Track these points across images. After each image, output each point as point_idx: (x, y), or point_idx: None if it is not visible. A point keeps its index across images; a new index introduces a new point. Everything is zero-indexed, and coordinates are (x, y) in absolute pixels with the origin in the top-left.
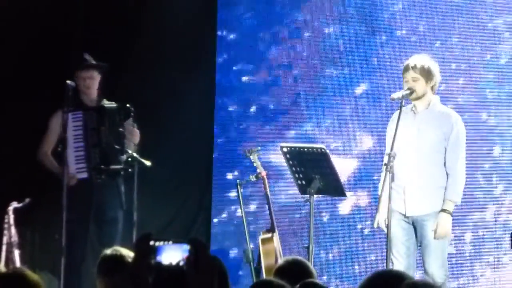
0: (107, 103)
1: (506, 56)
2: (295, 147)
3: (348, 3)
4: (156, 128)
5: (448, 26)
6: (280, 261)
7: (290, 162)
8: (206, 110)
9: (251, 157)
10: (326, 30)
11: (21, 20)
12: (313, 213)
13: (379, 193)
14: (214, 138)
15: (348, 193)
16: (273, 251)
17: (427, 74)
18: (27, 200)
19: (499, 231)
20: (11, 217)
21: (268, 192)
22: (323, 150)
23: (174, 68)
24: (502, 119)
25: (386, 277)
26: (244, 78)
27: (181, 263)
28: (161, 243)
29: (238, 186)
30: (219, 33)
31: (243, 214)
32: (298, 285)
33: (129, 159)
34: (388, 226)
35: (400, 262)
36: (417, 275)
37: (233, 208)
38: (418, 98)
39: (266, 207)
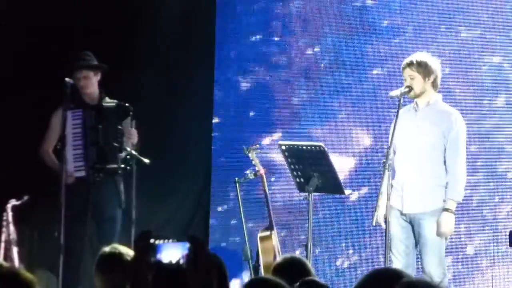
0: (108, 102)
1: None
2: (293, 145)
3: (346, 2)
4: (154, 125)
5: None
6: (278, 259)
7: (289, 160)
8: (205, 107)
9: (250, 154)
10: (325, 28)
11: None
12: (311, 211)
13: (379, 190)
14: (213, 136)
15: (346, 191)
16: (272, 249)
17: (424, 70)
18: (25, 197)
19: (499, 228)
20: (9, 215)
21: (267, 190)
22: (321, 147)
23: (173, 67)
24: None
25: (384, 275)
26: (244, 77)
27: (181, 261)
28: (161, 241)
29: (237, 184)
30: (218, 32)
31: (241, 211)
32: (298, 283)
33: (127, 157)
34: (387, 224)
35: (399, 260)
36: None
37: (231, 205)
38: (417, 96)
39: (265, 204)
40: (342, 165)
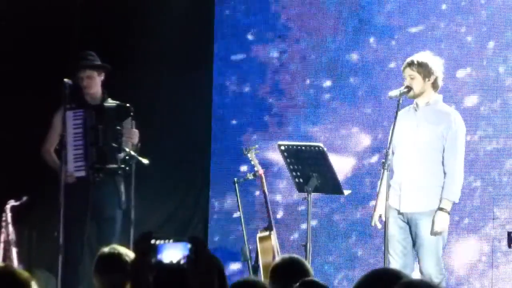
0: (110, 102)
1: None
2: (292, 145)
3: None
4: (154, 126)
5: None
6: (277, 259)
7: (288, 160)
8: (204, 107)
9: (249, 155)
10: (325, 29)
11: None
12: (310, 211)
13: (377, 190)
14: (212, 136)
15: (345, 191)
16: (271, 249)
17: (424, 71)
18: (24, 198)
19: (497, 229)
20: (8, 215)
21: (266, 190)
22: (320, 148)
23: (172, 67)
24: None
25: (382, 275)
26: (243, 77)
27: (182, 262)
28: (162, 241)
29: (236, 184)
30: (217, 31)
31: (240, 212)
32: (297, 284)
33: (127, 157)
34: (385, 224)
35: (396, 260)
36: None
37: (230, 206)
38: (416, 96)
39: (264, 205)
40: (341, 165)
